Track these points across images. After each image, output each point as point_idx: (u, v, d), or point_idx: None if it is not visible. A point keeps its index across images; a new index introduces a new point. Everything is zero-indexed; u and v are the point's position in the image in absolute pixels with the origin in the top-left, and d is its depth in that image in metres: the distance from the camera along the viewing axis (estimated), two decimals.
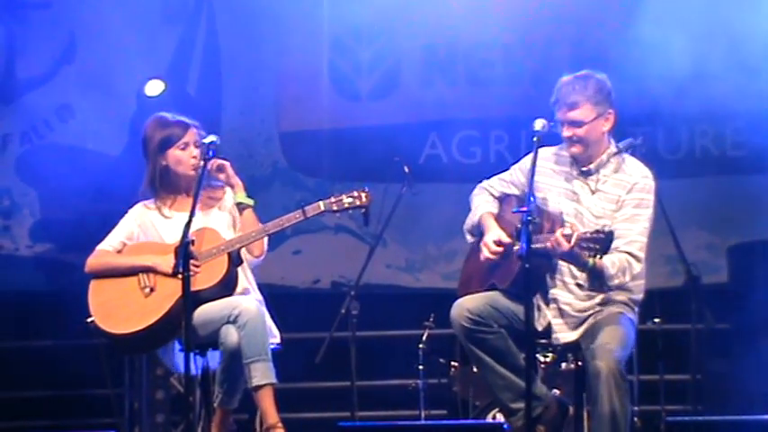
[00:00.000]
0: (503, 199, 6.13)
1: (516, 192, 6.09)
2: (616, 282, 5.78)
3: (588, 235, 5.55)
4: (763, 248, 8.41)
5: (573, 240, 5.55)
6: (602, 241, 5.52)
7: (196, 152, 6.23)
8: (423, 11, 9.12)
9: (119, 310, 6.10)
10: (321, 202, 6.11)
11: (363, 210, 6.14)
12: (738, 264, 8.52)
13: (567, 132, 5.86)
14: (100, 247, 6.28)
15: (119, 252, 6.26)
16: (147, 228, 6.29)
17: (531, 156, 5.89)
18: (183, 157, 6.24)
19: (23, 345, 8.97)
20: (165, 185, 6.29)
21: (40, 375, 8.80)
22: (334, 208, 6.10)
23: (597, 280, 5.81)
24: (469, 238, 6.17)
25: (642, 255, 5.82)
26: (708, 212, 8.86)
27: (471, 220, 6.12)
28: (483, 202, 6.13)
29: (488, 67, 9.27)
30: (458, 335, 5.95)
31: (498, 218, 6.05)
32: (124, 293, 6.13)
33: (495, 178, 6.19)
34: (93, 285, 6.21)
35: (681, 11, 8.97)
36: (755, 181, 8.88)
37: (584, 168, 5.93)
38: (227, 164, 6.27)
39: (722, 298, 8.19)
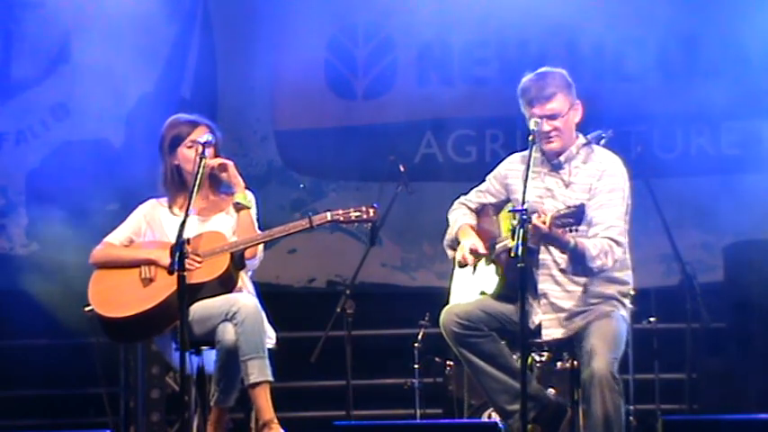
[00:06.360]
0: (479, 210, 6.19)
1: (493, 200, 6.16)
2: (598, 263, 5.76)
3: (561, 212, 5.63)
4: (758, 247, 8.42)
5: (548, 220, 5.60)
6: (575, 213, 5.58)
7: (205, 151, 6.24)
8: (418, 10, 9.11)
9: (116, 296, 6.14)
10: (328, 213, 6.14)
11: (369, 224, 6.17)
12: (734, 263, 8.53)
13: (546, 127, 5.88)
14: (107, 239, 6.33)
15: (125, 247, 6.29)
16: (154, 224, 6.31)
17: (504, 163, 6.06)
18: (191, 155, 6.21)
19: (18, 344, 8.95)
20: (177, 185, 6.30)
21: (34, 374, 8.78)
22: (341, 219, 6.14)
23: (579, 264, 5.80)
24: (450, 253, 6.20)
25: (623, 239, 5.83)
26: (703, 211, 8.86)
27: (450, 234, 6.18)
28: (460, 216, 6.18)
29: (484, 66, 9.28)
30: (449, 341, 5.98)
31: (477, 228, 6.11)
32: (124, 282, 6.17)
33: (471, 192, 6.25)
34: (95, 276, 6.26)
35: (673, 10, 8.99)
36: (751, 180, 8.88)
37: (553, 162, 5.96)
38: (230, 163, 6.28)
39: (717, 297, 8.20)
